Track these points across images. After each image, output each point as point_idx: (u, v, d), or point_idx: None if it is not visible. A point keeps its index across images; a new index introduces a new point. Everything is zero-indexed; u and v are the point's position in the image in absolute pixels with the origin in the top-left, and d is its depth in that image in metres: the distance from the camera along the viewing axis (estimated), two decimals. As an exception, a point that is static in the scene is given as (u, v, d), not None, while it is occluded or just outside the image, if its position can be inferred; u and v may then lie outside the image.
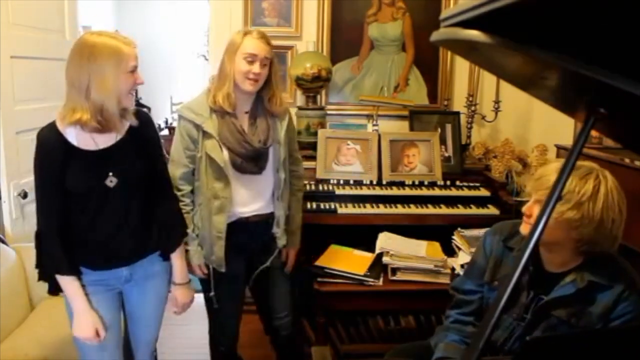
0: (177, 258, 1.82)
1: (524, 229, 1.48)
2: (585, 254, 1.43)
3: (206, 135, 1.89)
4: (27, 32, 2.58)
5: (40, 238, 1.61)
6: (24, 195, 2.51)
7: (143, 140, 1.69)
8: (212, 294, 2.02)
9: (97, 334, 1.66)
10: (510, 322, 1.52)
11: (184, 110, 1.92)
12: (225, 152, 1.90)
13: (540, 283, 1.48)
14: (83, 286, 1.67)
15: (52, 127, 1.59)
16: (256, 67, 1.86)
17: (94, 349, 1.69)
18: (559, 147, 2.43)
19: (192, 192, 1.98)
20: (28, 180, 2.54)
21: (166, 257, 1.80)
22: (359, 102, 3.20)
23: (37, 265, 1.66)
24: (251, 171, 1.94)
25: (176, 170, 1.94)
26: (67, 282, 1.63)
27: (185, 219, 1.89)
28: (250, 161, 1.93)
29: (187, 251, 1.93)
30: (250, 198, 1.99)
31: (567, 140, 2.47)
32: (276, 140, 1.98)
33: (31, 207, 2.58)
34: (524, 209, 1.49)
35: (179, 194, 1.92)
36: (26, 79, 2.56)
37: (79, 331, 1.66)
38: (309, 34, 3.23)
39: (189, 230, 1.92)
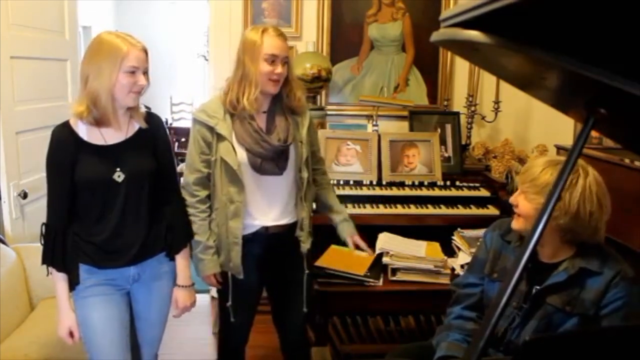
0: (181, 259, 1.82)
1: (515, 224, 1.55)
2: (576, 245, 1.48)
3: (220, 137, 1.86)
4: (26, 32, 2.58)
5: (46, 229, 1.66)
6: (24, 196, 2.51)
7: (152, 141, 1.74)
8: (229, 304, 1.95)
9: (72, 335, 1.70)
10: (511, 312, 1.55)
11: (198, 113, 1.89)
12: (242, 154, 1.86)
13: (537, 274, 1.52)
14: (91, 287, 1.69)
15: (65, 123, 1.66)
16: (278, 68, 1.82)
17: (103, 349, 1.70)
18: (558, 147, 2.42)
19: (208, 197, 1.92)
20: (28, 181, 2.55)
21: (172, 258, 1.81)
22: (358, 103, 3.20)
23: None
24: (272, 172, 1.88)
25: (190, 175, 1.90)
26: (57, 279, 1.68)
27: (190, 221, 1.87)
28: (270, 161, 1.87)
29: (201, 260, 1.90)
30: (271, 202, 1.93)
31: (567, 140, 2.47)
32: (297, 139, 1.92)
33: (31, 207, 2.59)
34: (511, 199, 1.56)
35: (194, 200, 1.89)
36: (26, 79, 2.56)
37: (58, 329, 1.71)
38: (309, 35, 3.24)
39: (204, 239, 1.89)
